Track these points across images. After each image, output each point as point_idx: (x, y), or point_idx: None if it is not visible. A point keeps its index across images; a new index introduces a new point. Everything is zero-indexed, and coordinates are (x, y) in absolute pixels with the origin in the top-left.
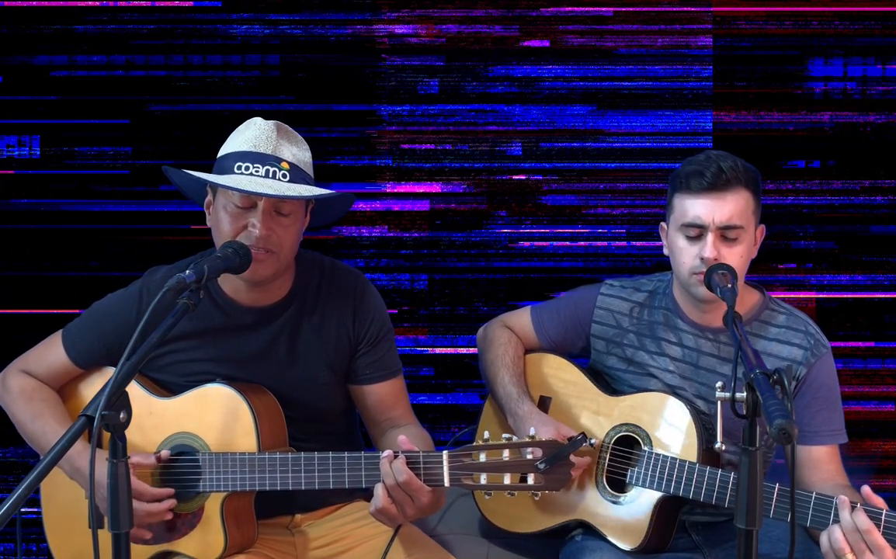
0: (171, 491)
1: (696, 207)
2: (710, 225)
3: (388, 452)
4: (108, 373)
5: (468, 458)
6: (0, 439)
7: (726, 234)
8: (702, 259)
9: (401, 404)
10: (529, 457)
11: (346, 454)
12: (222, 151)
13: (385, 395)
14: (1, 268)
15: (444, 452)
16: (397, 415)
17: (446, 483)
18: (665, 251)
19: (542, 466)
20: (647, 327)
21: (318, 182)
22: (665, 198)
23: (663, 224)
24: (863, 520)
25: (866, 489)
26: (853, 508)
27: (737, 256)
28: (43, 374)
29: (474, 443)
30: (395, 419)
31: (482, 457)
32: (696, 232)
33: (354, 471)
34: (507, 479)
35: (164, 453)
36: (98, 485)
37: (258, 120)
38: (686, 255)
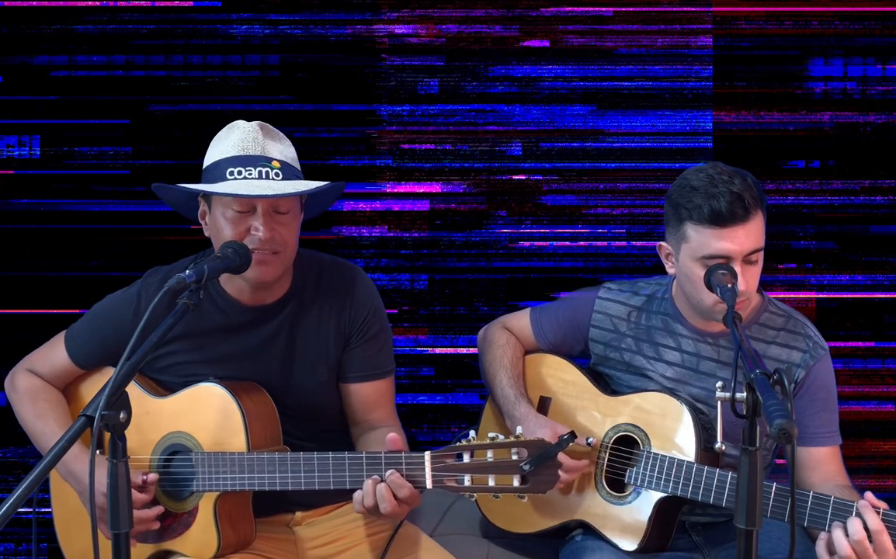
0: (160, 510)
1: (720, 242)
2: (736, 256)
3: (376, 477)
4: (110, 373)
5: (451, 459)
6: (0, 439)
7: (749, 257)
8: (734, 293)
9: (383, 407)
10: (515, 457)
11: (330, 454)
12: (209, 159)
13: (369, 396)
14: (1, 268)
15: (427, 453)
16: (378, 417)
17: (429, 485)
18: (670, 271)
19: (526, 467)
20: (644, 332)
21: (317, 181)
22: (663, 199)
23: (663, 244)
24: (874, 520)
25: (868, 495)
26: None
27: (758, 273)
28: (47, 374)
29: (461, 443)
30: (375, 421)
31: (465, 458)
32: (721, 262)
33: (339, 472)
34: (491, 481)
35: (152, 476)
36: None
37: (240, 123)
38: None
